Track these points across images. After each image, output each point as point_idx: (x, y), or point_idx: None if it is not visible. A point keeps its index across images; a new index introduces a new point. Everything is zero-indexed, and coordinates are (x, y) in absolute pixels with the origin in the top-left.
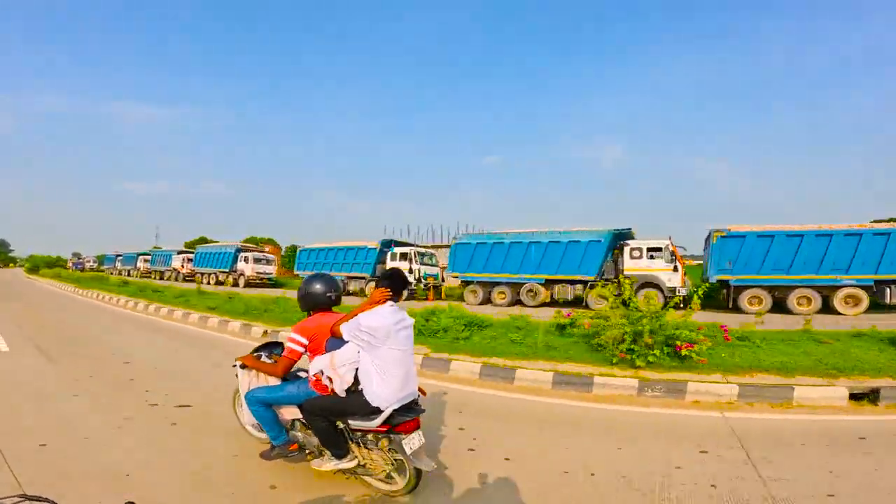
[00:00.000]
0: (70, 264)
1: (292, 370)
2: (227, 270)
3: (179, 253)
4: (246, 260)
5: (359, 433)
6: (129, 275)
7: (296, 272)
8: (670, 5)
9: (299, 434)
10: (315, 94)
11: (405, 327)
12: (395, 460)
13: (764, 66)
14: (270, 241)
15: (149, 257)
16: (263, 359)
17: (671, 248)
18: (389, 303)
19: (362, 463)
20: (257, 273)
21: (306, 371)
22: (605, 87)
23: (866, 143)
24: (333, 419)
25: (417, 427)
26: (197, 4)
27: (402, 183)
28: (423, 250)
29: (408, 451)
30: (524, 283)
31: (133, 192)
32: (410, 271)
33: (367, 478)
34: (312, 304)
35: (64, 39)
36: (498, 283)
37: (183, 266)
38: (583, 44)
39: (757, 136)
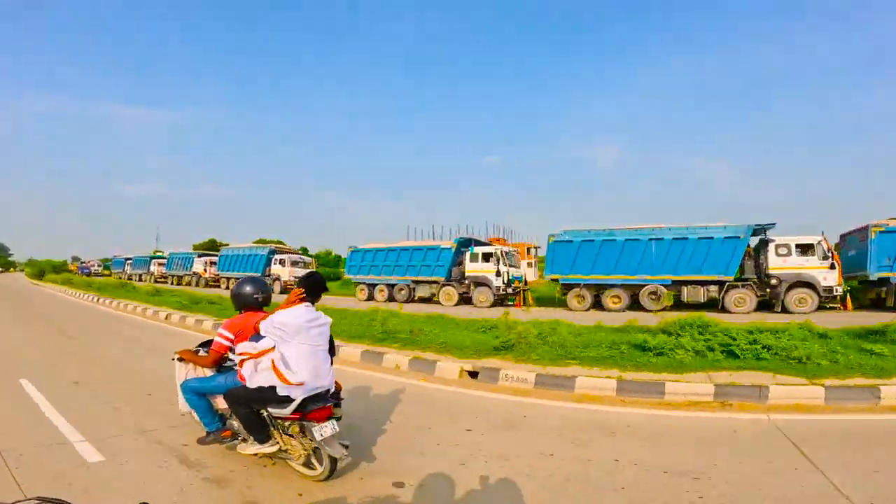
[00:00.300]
0: (76, 268)
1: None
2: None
3: (201, 256)
4: (282, 263)
5: (279, 420)
6: (140, 279)
7: (347, 275)
8: (669, 5)
9: (235, 422)
10: (314, 94)
11: (318, 325)
12: (315, 448)
13: (764, 66)
14: (279, 243)
15: (164, 260)
16: (201, 353)
17: (825, 244)
18: (305, 304)
19: (284, 448)
20: (294, 278)
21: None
22: (604, 86)
23: (868, 143)
24: (253, 406)
25: (330, 416)
26: (194, 5)
27: (401, 183)
28: (507, 250)
29: (317, 438)
30: (645, 285)
31: (129, 195)
32: (498, 273)
33: (292, 463)
34: (243, 303)
35: (58, 41)
36: (611, 286)
37: (206, 270)
38: (582, 44)
39: (757, 135)
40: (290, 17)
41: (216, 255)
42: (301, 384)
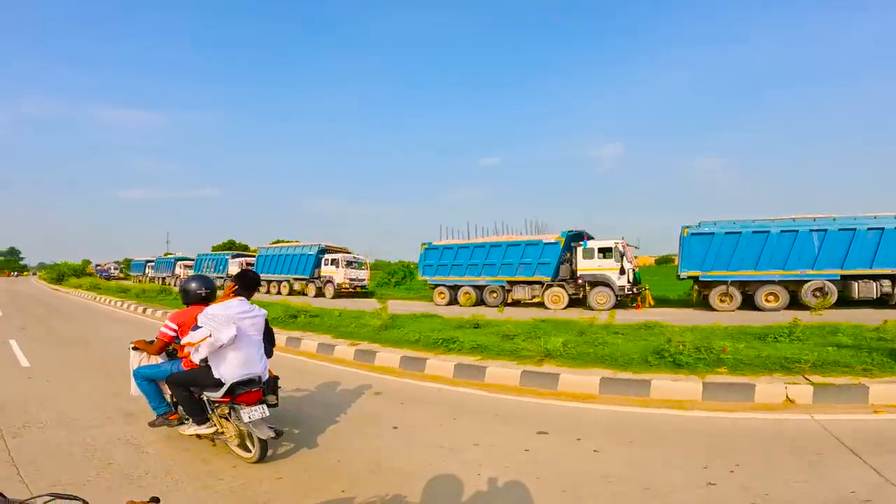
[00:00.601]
0: (95, 272)
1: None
2: (306, 277)
3: (235, 257)
4: (335, 264)
5: (215, 404)
6: (163, 283)
7: (421, 276)
8: (667, 4)
9: (181, 407)
10: (312, 97)
11: (251, 317)
12: (251, 433)
13: (762, 64)
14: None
15: (190, 262)
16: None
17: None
18: (238, 298)
19: (220, 431)
20: (350, 280)
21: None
22: (603, 86)
23: (866, 138)
24: (191, 390)
25: (259, 400)
26: (194, 8)
27: (399, 186)
28: (627, 244)
29: (245, 420)
30: (807, 281)
31: (132, 198)
32: (622, 272)
33: (230, 445)
34: (189, 298)
35: (59, 45)
36: (766, 282)
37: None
38: (580, 44)
39: (754, 133)
40: (286, 17)
41: (252, 256)
42: (231, 371)
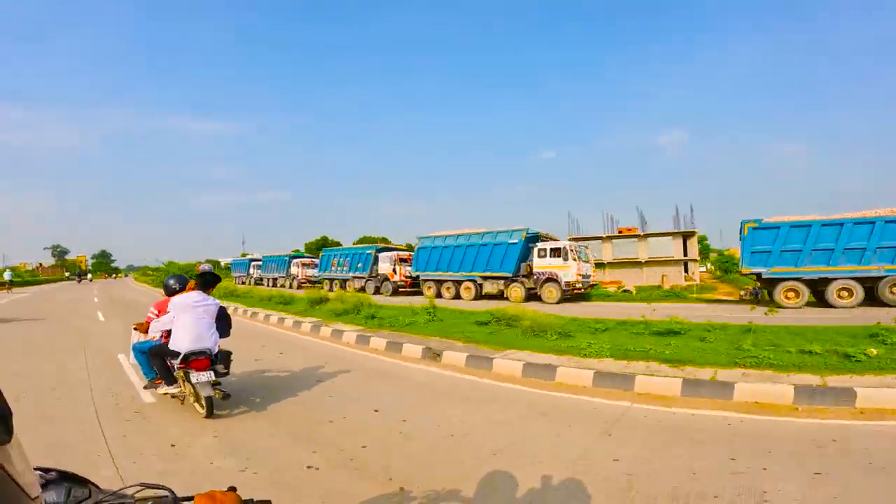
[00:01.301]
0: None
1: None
2: (509, 276)
3: (382, 251)
4: (391, 261)
5: (178, 369)
6: (274, 284)
7: (415, 272)
8: None
9: (158, 371)
10: (360, 95)
11: (204, 306)
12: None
13: (839, 46)
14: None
15: (307, 260)
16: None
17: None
18: (197, 291)
19: (183, 391)
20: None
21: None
22: (664, 73)
23: None
24: (163, 358)
25: (207, 368)
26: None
27: (455, 182)
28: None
29: (192, 380)
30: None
31: (205, 204)
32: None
33: (192, 402)
34: (168, 291)
35: (132, 59)
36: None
37: (396, 272)
38: (638, 31)
39: (833, 119)
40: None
41: (408, 252)
42: (185, 344)
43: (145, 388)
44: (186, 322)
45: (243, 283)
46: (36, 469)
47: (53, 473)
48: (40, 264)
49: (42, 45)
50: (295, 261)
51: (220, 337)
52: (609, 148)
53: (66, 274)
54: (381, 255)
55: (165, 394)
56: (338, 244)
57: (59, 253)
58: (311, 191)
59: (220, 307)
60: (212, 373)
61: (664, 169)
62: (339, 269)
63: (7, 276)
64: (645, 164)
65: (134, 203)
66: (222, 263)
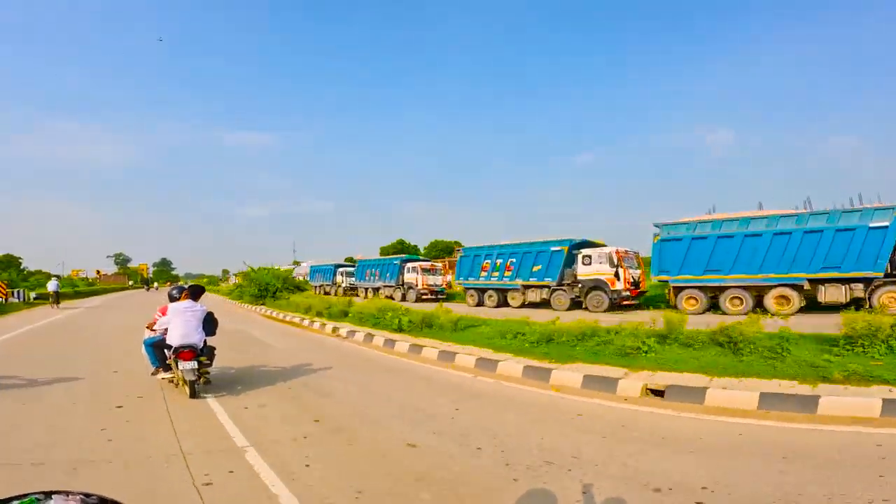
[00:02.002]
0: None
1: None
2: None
3: (407, 261)
4: (414, 271)
5: (171, 359)
6: (375, 293)
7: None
8: None
9: (158, 360)
10: (401, 104)
11: (192, 311)
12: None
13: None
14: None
15: (426, 264)
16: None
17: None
18: (188, 300)
19: (176, 377)
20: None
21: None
22: (704, 67)
23: None
24: (162, 349)
25: (192, 359)
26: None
27: (490, 186)
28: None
29: (179, 368)
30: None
31: (254, 214)
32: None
33: (182, 386)
34: (171, 299)
35: (186, 75)
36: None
37: (419, 282)
38: (677, 19)
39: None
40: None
41: (426, 262)
42: (175, 340)
43: (152, 374)
44: (177, 323)
45: (327, 292)
46: (78, 494)
47: (94, 498)
48: (98, 272)
49: (99, 62)
50: (410, 264)
51: (206, 335)
52: (652, 148)
53: (130, 283)
54: (407, 266)
55: (163, 378)
56: (416, 248)
57: (122, 261)
58: (347, 199)
59: (208, 312)
60: (196, 363)
61: (706, 169)
62: (371, 278)
63: (52, 286)
64: (687, 164)
65: (188, 213)
66: (296, 273)
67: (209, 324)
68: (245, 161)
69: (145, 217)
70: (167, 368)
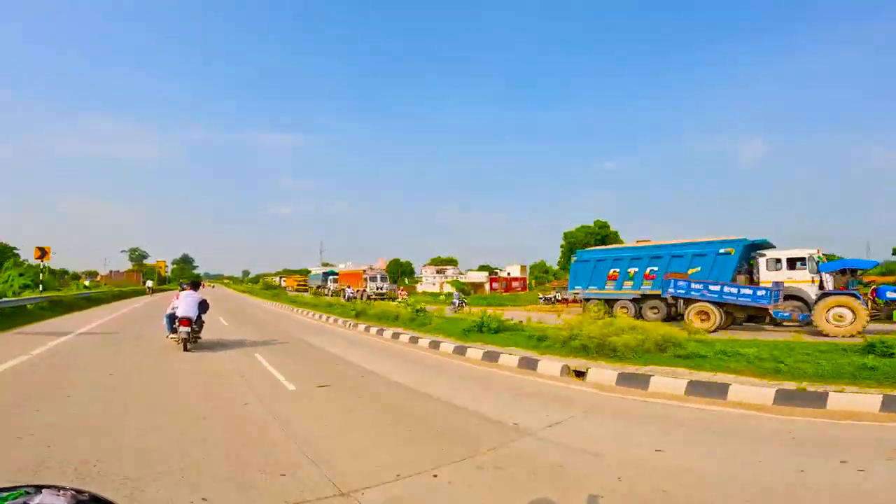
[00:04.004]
0: (297, 283)
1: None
2: None
3: (331, 274)
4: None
5: (177, 325)
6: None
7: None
8: None
9: (170, 326)
10: (431, 108)
11: (192, 298)
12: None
13: None
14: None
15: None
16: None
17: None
18: (189, 290)
19: (178, 338)
20: (376, 290)
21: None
22: (733, 76)
23: None
24: (172, 319)
25: (188, 326)
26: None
27: (517, 195)
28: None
29: (178, 330)
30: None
31: (278, 214)
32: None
33: (179, 343)
34: (181, 288)
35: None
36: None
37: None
38: (704, 29)
39: None
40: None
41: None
42: (181, 313)
43: (167, 338)
44: (182, 303)
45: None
46: (70, 489)
47: (86, 495)
48: (105, 274)
49: (124, 59)
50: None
51: (200, 312)
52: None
53: (148, 284)
54: (330, 277)
55: (171, 338)
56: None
57: (138, 257)
58: (371, 201)
59: (202, 299)
60: (189, 329)
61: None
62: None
63: None
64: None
65: (211, 212)
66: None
67: (202, 305)
68: (273, 161)
69: (168, 214)
70: (174, 332)
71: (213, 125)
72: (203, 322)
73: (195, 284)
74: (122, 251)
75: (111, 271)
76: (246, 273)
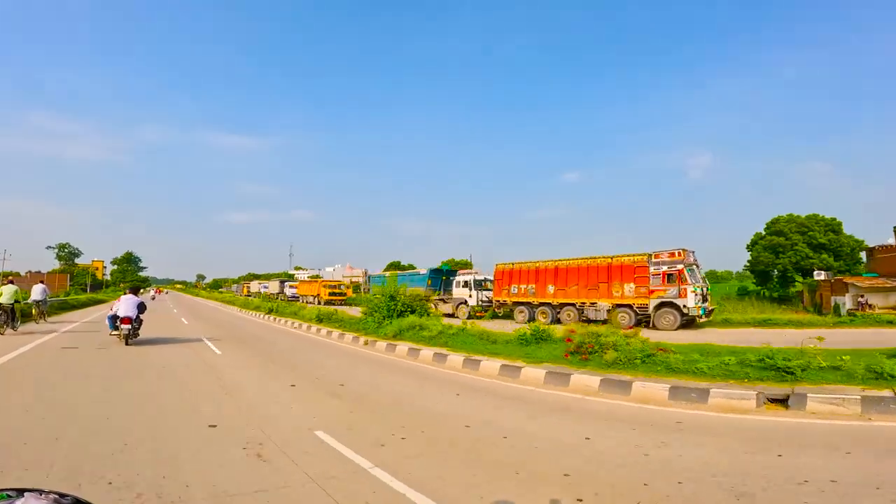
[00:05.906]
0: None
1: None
2: None
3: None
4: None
5: (118, 324)
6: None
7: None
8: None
9: (111, 325)
10: (393, 119)
11: (131, 301)
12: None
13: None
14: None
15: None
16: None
17: (471, 280)
18: (130, 294)
19: (120, 334)
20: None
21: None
22: (690, 95)
23: None
24: (114, 319)
25: (128, 324)
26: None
27: (480, 206)
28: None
29: (120, 328)
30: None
31: (234, 221)
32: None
33: (121, 339)
34: (124, 293)
35: (169, 73)
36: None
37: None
38: (663, 53)
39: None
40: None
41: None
42: (122, 312)
43: (110, 335)
44: (123, 305)
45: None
46: (52, 493)
47: (69, 498)
48: (18, 275)
49: (76, 56)
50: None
51: (139, 313)
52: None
53: (70, 287)
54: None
55: (112, 335)
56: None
57: (68, 255)
58: (333, 210)
59: (140, 301)
60: (128, 327)
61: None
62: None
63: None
64: (670, 186)
65: (161, 215)
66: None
67: (140, 307)
68: (229, 166)
69: (112, 214)
70: (115, 329)
71: (167, 125)
72: (142, 321)
73: (135, 290)
74: (49, 247)
75: (29, 272)
76: (201, 277)
